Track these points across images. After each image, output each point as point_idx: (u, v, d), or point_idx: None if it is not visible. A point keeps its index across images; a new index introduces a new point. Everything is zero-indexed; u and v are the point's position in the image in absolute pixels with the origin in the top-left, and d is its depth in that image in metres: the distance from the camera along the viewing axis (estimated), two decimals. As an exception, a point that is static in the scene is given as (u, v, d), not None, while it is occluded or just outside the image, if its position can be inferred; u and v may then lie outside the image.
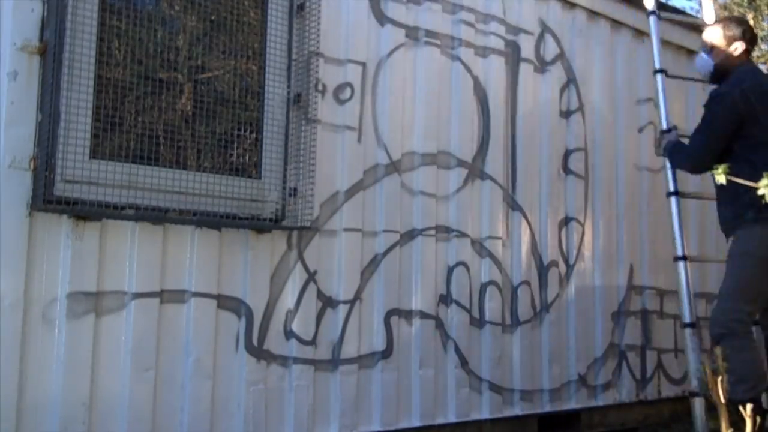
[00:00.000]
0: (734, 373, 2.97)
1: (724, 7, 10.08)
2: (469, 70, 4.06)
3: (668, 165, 3.84)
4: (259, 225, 3.17)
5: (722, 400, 3.63)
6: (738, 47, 3.54)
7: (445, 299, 3.84)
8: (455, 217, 3.92)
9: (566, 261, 4.42)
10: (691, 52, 5.33)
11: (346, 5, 3.58)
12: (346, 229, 3.50)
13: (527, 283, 4.21)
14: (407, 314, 3.68)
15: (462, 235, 3.93)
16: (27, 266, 2.65)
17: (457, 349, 3.86)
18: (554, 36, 4.51)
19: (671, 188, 3.83)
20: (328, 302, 3.43)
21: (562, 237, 4.42)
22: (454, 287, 3.88)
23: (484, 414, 3.94)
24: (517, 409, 4.09)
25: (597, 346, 4.52)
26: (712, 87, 3.65)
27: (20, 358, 2.62)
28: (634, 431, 4.70)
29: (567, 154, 4.51)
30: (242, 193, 3.10)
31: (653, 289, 4.90)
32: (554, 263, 4.35)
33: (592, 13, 4.73)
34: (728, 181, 2.57)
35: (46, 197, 2.62)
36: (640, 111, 4.93)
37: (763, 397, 3.49)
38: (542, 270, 4.29)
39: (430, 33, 3.90)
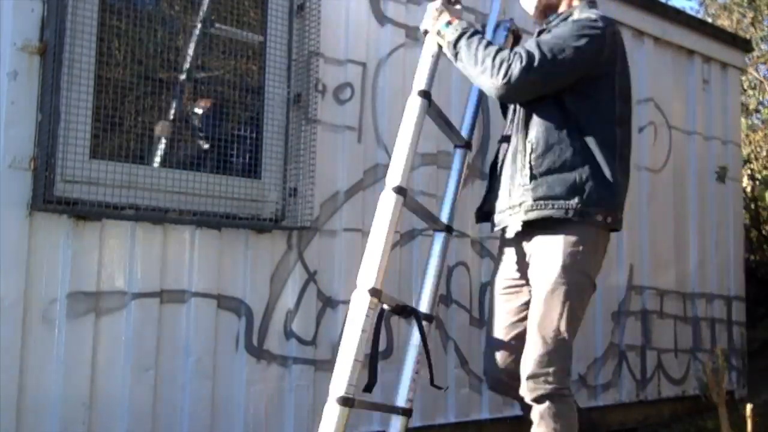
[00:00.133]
0: None
1: (724, 7, 10.07)
2: (469, 70, 4.05)
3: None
4: (259, 225, 3.17)
5: (722, 400, 3.64)
6: None
7: (445, 299, 3.84)
8: (455, 217, 3.91)
9: (566, 261, 4.41)
10: (691, 52, 5.34)
11: (346, 5, 3.58)
12: (346, 229, 3.50)
13: (527, 283, 4.20)
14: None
15: (462, 235, 3.93)
16: (27, 266, 2.65)
17: (457, 349, 3.86)
18: (554, 36, 4.50)
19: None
20: (328, 302, 3.43)
21: (562, 237, 4.41)
22: (454, 287, 3.88)
23: (484, 414, 3.94)
24: (517, 409, 4.06)
25: (597, 346, 4.52)
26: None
27: (20, 358, 2.62)
28: (634, 431, 4.70)
29: (567, 154, 4.50)
30: (242, 193, 3.10)
31: (653, 289, 4.90)
32: (554, 263, 4.34)
33: (592, 13, 4.71)
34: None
35: (46, 197, 2.62)
36: (640, 111, 4.93)
37: None
38: (542, 270, 4.28)
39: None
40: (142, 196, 2.84)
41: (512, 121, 2.56)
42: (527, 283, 2.46)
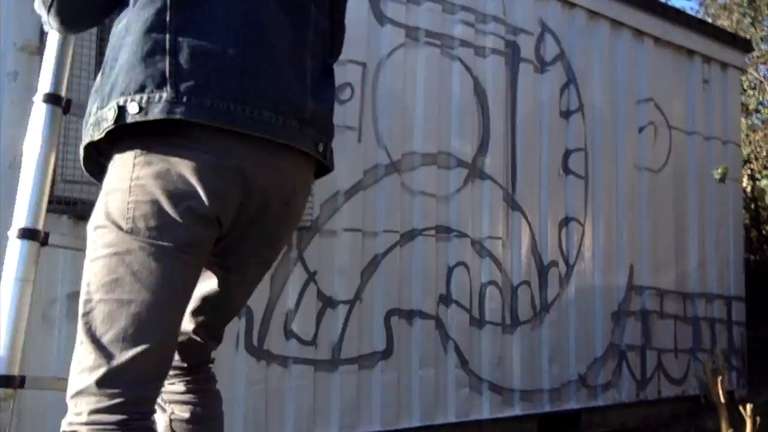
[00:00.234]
0: None
1: (724, 7, 10.07)
2: (469, 70, 4.06)
3: None
4: (259, 225, 3.17)
5: (722, 400, 3.64)
6: None
7: (445, 299, 3.84)
8: (455, 217, 3.92)
9: (566, 261, 4.42)
10: (691, 53, 5.34)
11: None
12: (346, 229, 3.50)
13: (527, 283, 4.21)
14: (407, 314, 3.68)
15: (462, 235, 3.93)
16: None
17: (457, 349, 3.85)
18: (554, 36, 4.51)
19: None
20: (328, 302, 3.43)
21: (562, 237, 4.42)
22: (454, 287, 3.88)
23: (484, 414, 3.93)
24: (517, 409, 4.09)
25: (597, 346, 4.52)
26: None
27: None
28: (635, 431, 4.70)
29: (567, 154, 4.51)
30: (242, 193, 3.10)
31: (653, 289, 4.90)
32: (554, 263, 4.35)
33: (592, 13, 4.73)
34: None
35: (46, 197, 2.62)
36: (640, 111, 4.93)
37: None
38: (542, 270, 4.29)
39: (430, 33, 3.90)
40: (142, 196, 2.83)
41: None
42: None
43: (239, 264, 1.53)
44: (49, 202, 2.60)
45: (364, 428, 3.48)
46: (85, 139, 1.42)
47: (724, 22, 9.65)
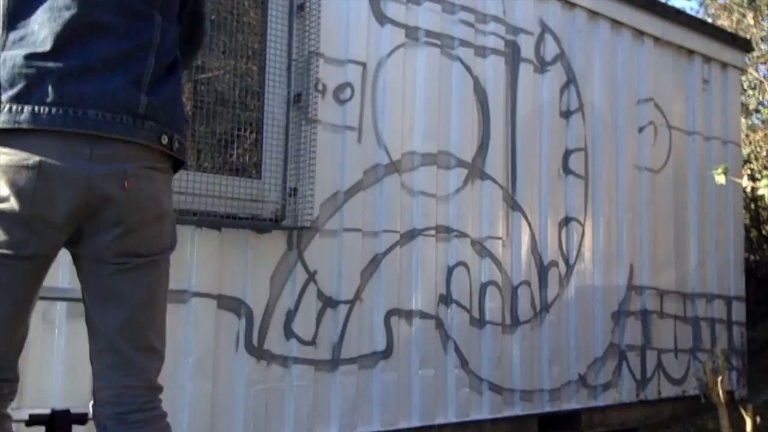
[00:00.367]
0: None
1: (724, 7, 10.07)
2: (469, 70, 4.06)
3: None
4: (260, 225, 3.17)
5: (722, 400, 3.64)
6: None
7: (445, 299, 3.84)
8: (455, 217, 3.92)
9: (566, 261, 4.43)
10: (691, 52, 5.34)
11: (346, 5, 3.58)
12: (346, 229, 3.50)
13: (527, 283, 4.21)
14: (407, 314, 3.68)
15: (462, 235, 3.93)
16: (27, 266, 2.64)
17: (457, 349, 3.85)
18: (554, 36, 4.51)
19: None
20: (328, 302, 3.43)
21: (562, 237, 4.42)
22: (454, 287, 3.88)
23: (484, 414, 3.94)
24: (517, 409, 4.09)
25: (597, 346, 4.52)
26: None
27: (20, 358, 2.61)
28: (635, 431, 4.71)
29: (567, 154, 4.51)
30: (242, 193, 3.10)
31: (653, 289, 4.90)
32: (554, 263, 4.35)
33: (592, 13, 4.73)
34: None
35: (46, 197, 2.62)
36: (640, 111, 4.93)
37: None
38: (542, 270, 4.29)
39: (430, 33, 3.90)
40: (142, 196, 2.83)
41: None
42: None
43: (100, 250, 1.65)
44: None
45: (364, 428, 3.48)
46: None
47: (724, 22, 9.65)
